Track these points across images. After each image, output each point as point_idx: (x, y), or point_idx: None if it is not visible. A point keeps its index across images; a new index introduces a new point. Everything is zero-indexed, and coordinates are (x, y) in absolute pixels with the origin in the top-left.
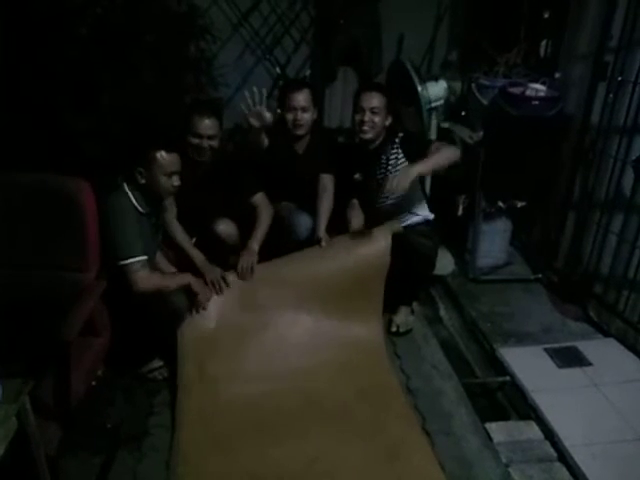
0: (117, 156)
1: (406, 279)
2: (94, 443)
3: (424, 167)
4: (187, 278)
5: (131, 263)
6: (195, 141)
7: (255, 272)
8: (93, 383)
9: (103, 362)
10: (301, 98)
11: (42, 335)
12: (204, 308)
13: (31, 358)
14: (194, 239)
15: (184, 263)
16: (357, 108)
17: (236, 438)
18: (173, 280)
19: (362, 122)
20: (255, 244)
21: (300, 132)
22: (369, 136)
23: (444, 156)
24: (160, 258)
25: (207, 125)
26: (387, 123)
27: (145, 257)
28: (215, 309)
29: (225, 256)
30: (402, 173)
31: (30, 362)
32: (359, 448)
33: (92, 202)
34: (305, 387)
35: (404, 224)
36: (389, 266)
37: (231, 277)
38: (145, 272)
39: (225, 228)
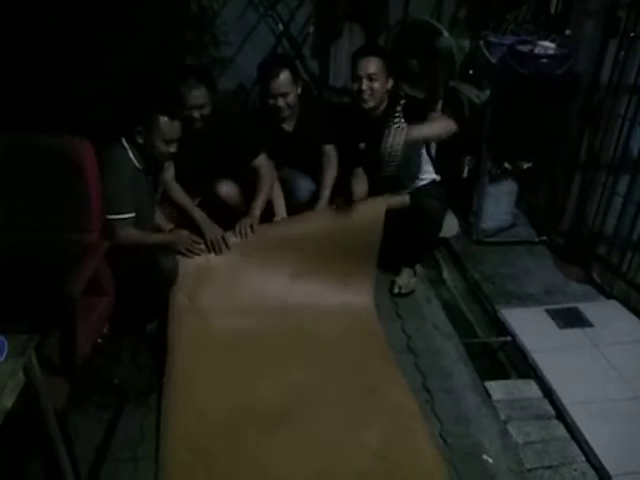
0: (120, 118)
1: (410, 241)
2: (102, 399)
3: (417, 132)
4: (169, 237)
5: (117, 219)
6: (186, 113)
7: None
8: (99, 341)
9: (109, 321)
10: (281, 83)
11: (47, 293)
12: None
13: (36, 315)
14: (197, 200)
15: (187, 222)
16: (354, 76)
17: (225, 370)
18: (152, 237)
19: (361, 91)
20: (257, 210)
21: (284, 115)
22: (370, 105)
23: (441, 126)
24: (158, 215)
25: (194, 96)
26: (388, 87)
27: (132, 214)
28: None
29: (227, 217)
30: (395, 132)
31: (36, 319)
32: (341, 383)
33: (94, 162)
34: (290, 326)
35: (410, 190)
36: (395, 229)
37: (232, 238)
38: (126, 230)
39: (226, 189)
